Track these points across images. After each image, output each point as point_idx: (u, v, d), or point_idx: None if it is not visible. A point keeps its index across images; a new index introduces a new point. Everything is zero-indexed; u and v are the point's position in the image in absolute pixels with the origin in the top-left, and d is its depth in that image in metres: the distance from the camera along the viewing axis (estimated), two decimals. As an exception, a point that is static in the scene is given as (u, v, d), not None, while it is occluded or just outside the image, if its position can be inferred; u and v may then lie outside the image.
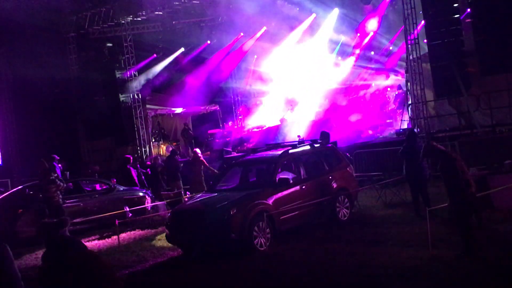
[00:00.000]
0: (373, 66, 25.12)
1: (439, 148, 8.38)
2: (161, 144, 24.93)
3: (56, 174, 13.82)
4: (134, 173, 17.54)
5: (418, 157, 11.21)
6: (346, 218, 11.61)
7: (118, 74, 24.00)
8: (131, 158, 18.62)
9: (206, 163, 15.89)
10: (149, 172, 18.46)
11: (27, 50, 21.58)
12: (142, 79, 24.69)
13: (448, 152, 8.48)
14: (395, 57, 24.66)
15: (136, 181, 17.39)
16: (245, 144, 23.05)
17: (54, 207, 13.14)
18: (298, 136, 19.78)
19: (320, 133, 13.34)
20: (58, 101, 23.30)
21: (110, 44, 24.61)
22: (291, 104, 24.94)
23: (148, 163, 19.64)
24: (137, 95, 23.56)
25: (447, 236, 8.92)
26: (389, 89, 23.59)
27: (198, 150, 16.20)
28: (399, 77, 23.56)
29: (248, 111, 27.69)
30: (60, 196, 13.38)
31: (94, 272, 4.61)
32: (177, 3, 21.80)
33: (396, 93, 22.80)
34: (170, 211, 12.58)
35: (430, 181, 12.20)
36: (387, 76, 24.53)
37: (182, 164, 17.40)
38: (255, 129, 24.97)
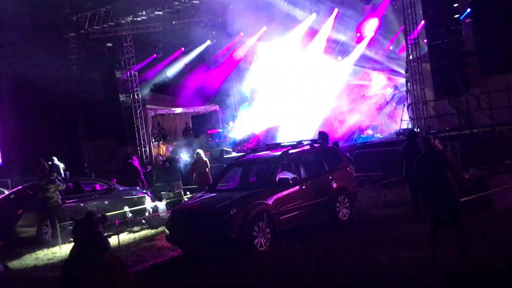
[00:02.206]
0: (373, 66, 25.06)
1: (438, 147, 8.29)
2: (161, 144, 24.92)
3: (56, 174, 13.82)
4: (141, 172, 17.59)
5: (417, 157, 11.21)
6: (346, 218, 11.61)
7: (118, 74, 24.03)
8: (135, 158, 18.64)
9: (208, 165, 15.74)
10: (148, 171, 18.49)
11: (27, 50, 21.60)
12: (142, 79, 24.69)
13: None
14: (395, 57, 24.62)
15: (144, 180, 17.40)
16: (245, 144, 23.02)
17: (53, 207, 13.16)
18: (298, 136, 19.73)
19: (318, 133, 13.34)
20: (58, 101, 23.33)
21: (110, 44, 24.63)
22: (291, 105, 24.89)
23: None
24: (137, 95, 23.57)
25: (447, 236, 8.91)
26: (388, 89, 23.55)
27: (201, 151, 16.09)
28: (399, 77, 23.53)
29: (248, 111, 27.65)
30: (59, 196, 13.38)
31: (118, 273, 5.08)
32: (177, 3, 21.82)
33: (393, 92, 22.80)
34: (170, 211, 12.58)
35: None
36: (388, 76, 24.50)
37: (182, 164, 17.39)
38: (255, 129, 24.92)
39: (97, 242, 5.14)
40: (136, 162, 18.22)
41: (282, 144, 12.81)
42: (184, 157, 18.35)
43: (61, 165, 18.64)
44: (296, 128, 21.90)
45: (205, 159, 15.78)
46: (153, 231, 13.45)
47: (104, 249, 5.14)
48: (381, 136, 20.45)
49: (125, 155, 20.01)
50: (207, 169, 15.53)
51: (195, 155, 16.09)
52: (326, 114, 22.97)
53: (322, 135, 13.07)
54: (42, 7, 21.69)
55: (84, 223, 5.32)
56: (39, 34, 21.50)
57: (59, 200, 13.36)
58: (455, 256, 7.84)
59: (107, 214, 12.98)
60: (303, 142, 12.46)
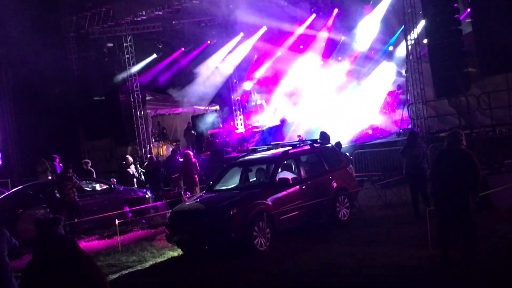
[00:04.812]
0: (372, 66, 25.10)
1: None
2: (161, 144, 24.94)
3: (71, 171, 13.93)
4: (133, 174, 17.65)
5: (418, 157, 11.23)
6: (346, 218, 11.60)
7: (118, 74, 24.02)
8: (131, 159, 18.64)
9: (198, 166, 15.63)
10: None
11: (27, 50, 21.58)
12: (142, 79, 24.69)
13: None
14: (395, 57, 24.65)
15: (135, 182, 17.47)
16: (245, 144, 23.03)
17: (69, 204, 13.28)
18: (298, 136, 19.77)
19: (320, 133, 13.34)
20: (58, 101, 23.32)
21: (110, 44, 24.63)
22: (292, 100, 24.87)
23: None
24: (137, 95, 23.56)
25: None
26: (388, 89, 23.57)
27: (190, 152, 16.14)
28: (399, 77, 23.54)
29: (248, 111, 27.70)
30: (76, 194, 13.51)
31: (83, 273, 4.66)
32: (177, 3, 21.82)
33: (396, 92, 22.80)
34: (170, 211, 12.57)
35: (430, 181, 12.16)
36: (387, 76, 24.51)
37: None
38: (255, 129, 24.96)
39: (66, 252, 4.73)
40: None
41: (282, 144, 12.81)
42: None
43: (60, 165, 18.65)
44: (296, 128, 21.91)
45: (194, 160, 15.69)
46: (153, 231, 13.45)
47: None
48: (381, 136, 20.45)
49: (122, 157, 20.02)
50: (195, 171, 15.45)
51: (183, 156, 16.04)
52: (326, 115, 22.97)
53: (323, 135, 13.08)
54: (42, 7, 21.69)
55: (47, 234, 4.84)
56: (39, 34, 21.48)
57: (76, 197, 13.48)
58: (457, 256, 7.84)
59: (107, 214, 13.18)
60: (301, 142, 12.47)
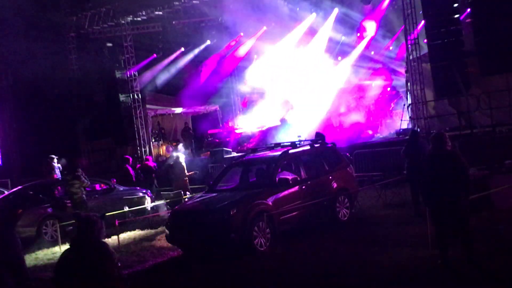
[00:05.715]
0: (372, 66, 25.10)
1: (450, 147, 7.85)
2: (161, 144, 24.93)
3: (80, 170, 13.92)
4: (132, 172, 17.59)
5: (419, 157, 11.21)
6: (346, 218, 11.61)
7: (118, 74, 24.02)
8: (130, 158, 18.62)
9: (185, 169, 15.45)
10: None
11: (27, 50, 21.60)
12: (142, 79, 24.70)
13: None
14: (395, 57, 24.66)
15: (134, 180, 17.42)
16: (245, 144, 23.02)
17: (76, 202, 13.28)
18: (298, 136, 19.76)
19: (315, 134, 13.34)
20: (58, 101, 23.33)
21: (110, 44, 24.63)
22: (288, 106, 24.91)
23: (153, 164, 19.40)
24: (137, 95, 23.57)
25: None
26: (388, 89, 23.60)
27: (180, 154, 16.04)
28: (399, 77, 23.55)
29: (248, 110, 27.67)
30: (84, 193, 13.51)
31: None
32: (177, 3, 21.83)
33: (392, 93, 22.88)
34: (170, 211, 12.57)
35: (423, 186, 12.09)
36: (387, 76, 24.53)
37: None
38: (255, 129, 24.93)
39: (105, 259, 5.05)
40: (129, 167, 18.19)
41: (282, 144, 12.81)
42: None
43: (59, 165, 18.65)
44: (296, 128, 21.90)
45: (183, 164, 15.45)
46: (153, 231, 13.44)
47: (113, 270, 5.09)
48: (381, 136, 20.45)
49: (122, 158, 20.03)
50: (184, 174, 15.28)
51: (174, 158, 15.86)
52: (326, 115, 22.99)
53: (318, 135, 13.07)
54: (42, 7, 21.70)
55: (85, 234, 5.07)
56: (39, 34, 21.49)
57: (84, 196, 13.48)
58: (457, 257, 7.83)
59: (107, 214, 13.17)
60: (302, 142, 12.47)
